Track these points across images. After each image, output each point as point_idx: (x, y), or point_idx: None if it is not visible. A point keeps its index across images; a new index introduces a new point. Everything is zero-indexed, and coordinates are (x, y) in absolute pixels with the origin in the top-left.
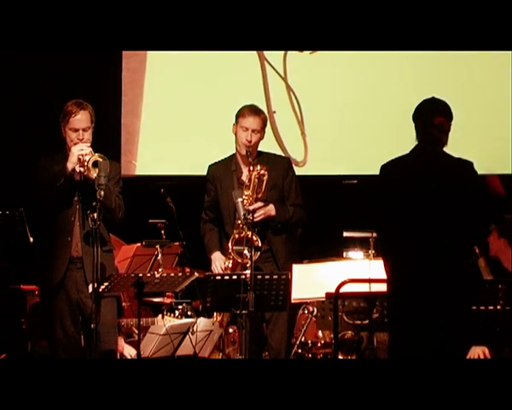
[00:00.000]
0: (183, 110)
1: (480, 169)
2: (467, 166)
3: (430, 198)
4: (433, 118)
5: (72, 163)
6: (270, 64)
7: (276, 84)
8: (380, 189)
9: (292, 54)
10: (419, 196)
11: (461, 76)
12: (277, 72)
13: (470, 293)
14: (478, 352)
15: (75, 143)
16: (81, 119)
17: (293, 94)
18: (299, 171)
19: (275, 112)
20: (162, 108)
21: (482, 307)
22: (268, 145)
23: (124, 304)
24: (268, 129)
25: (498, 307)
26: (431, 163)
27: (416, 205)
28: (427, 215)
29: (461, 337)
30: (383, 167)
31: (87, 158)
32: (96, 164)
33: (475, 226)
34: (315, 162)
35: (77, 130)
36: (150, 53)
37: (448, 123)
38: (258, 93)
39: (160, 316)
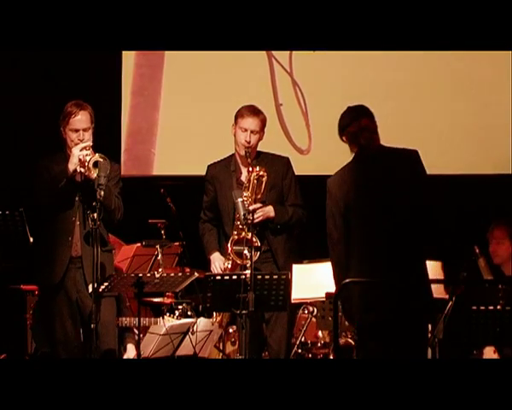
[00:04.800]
0: (198, 106)
1: (480, 169)
2: (411, 154)
3: (380, 196)
4: (359, 122)
5: (73, 164)
6: (277, 61)
7: (283, 79)
8: (329, 203)
9: (297, 52)
10: (368, 198)
11: (461, 76)
12: (284, 68)
13: (424, 294)
14: (490, 352)
15: (76, 144)
16: (81, 119)
17: (298, 88)
18: (299, 169)
19: (281, 104)
20: (178, 103)
21: (482, 307)
22: (275, 135)
23: (128, 304)
24: (275, 120)
25: (498, 307)
26: (374, 162)
27: (367, 206)
28: (380, 214)
29: (418, 338)
30: (328, 182)
31: (88, 158)
32: (96, 164)
33: (431, 217)
34: (318, 151)
35: (77, 130)
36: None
37: (372, 122)
38: (266, 87)
39: (161, 318)
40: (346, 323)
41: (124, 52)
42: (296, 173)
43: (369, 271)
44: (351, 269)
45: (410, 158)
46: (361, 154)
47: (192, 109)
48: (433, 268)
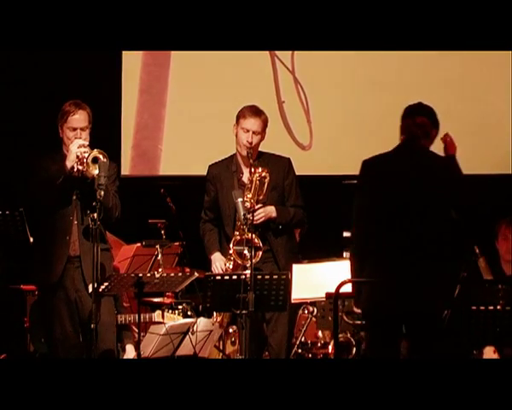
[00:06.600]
0: (202, 104)
1: (480, 169)
2: (447, 161)
3: (411, 193)
4: (416, 117)
5: (70, 161)
6: (279, 60)
7: (285, 77)
8: (361, 184)
9: (299, 51)
10: (400, 191)
11: (461, 76)
12: (286, 66)
13: (454, 291)
14: (490, 352)
15: (72, 142)
16: (79, 118)
17: (300, 86)
18: (301, 165)
19: (284, 102)
20: (184, 101)
21: (482, 307)
22: (277, 131)
23: (125, 304)
24: (277, 117)
25: (498, 307)
26: (412, 158)
27: (398, 200)
28: (409, 210)
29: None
30: (364, 162)
31: (86, 155)
32: (95, 160)
33: (459, 222)
34: (319, 147)
35: (75, 129)
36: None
37: (431, 126)
38: (269, 85)
39: (159, 312)
40: (346, 319)
41: (131, 52)
42: (297, 169)
43: (385, 268)
44: (368, 262)
45: (446, 165)
46: (404, 146)
47: (197, 107)
48: None
